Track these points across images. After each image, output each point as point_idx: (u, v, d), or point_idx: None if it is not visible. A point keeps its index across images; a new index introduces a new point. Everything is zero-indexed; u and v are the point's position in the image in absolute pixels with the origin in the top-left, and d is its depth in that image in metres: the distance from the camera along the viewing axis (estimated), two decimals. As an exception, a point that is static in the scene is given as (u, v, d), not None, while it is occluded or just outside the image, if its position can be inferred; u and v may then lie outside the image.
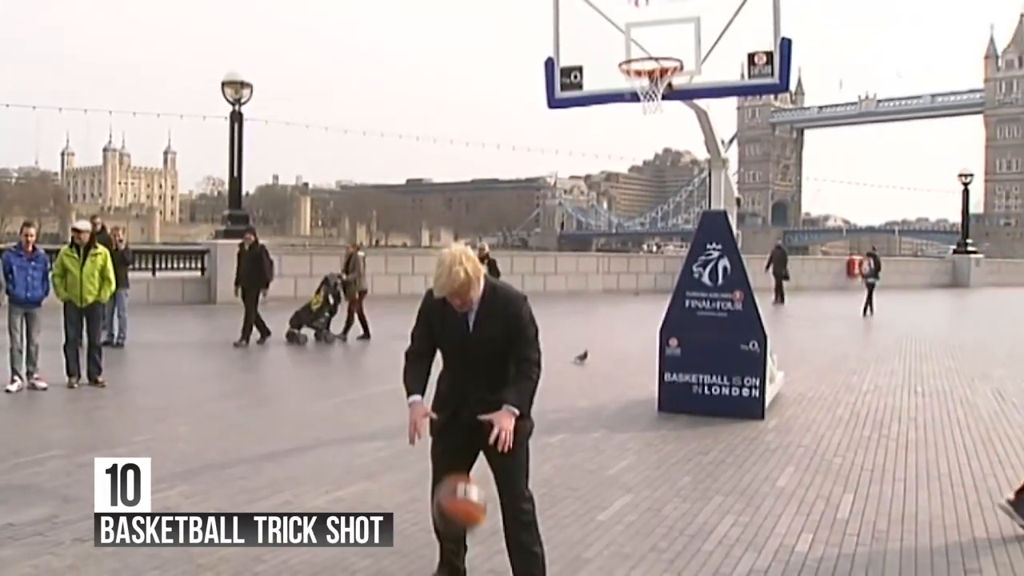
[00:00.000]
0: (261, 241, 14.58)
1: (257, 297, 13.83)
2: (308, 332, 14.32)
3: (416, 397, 3.97)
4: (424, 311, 4.07)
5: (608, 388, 10.38)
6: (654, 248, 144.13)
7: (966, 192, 39.83)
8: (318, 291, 14.69)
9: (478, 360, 3.99)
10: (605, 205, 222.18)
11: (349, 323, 14.55)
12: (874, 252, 26.23)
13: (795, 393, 10.18)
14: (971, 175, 40.22)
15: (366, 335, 14.66)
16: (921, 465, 7.06)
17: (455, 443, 4.06)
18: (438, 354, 4.15)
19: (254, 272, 13.90)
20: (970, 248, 40.65)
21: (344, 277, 14.87)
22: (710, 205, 9.51)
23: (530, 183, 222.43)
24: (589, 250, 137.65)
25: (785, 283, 26.57)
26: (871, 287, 23.45)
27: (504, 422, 3.87)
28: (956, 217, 58.20)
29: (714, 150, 9.43)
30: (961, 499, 6.13)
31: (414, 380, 4.03)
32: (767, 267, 26.75)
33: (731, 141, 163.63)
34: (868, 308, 22.80)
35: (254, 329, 13.78)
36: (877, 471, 6.84)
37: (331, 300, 14.53)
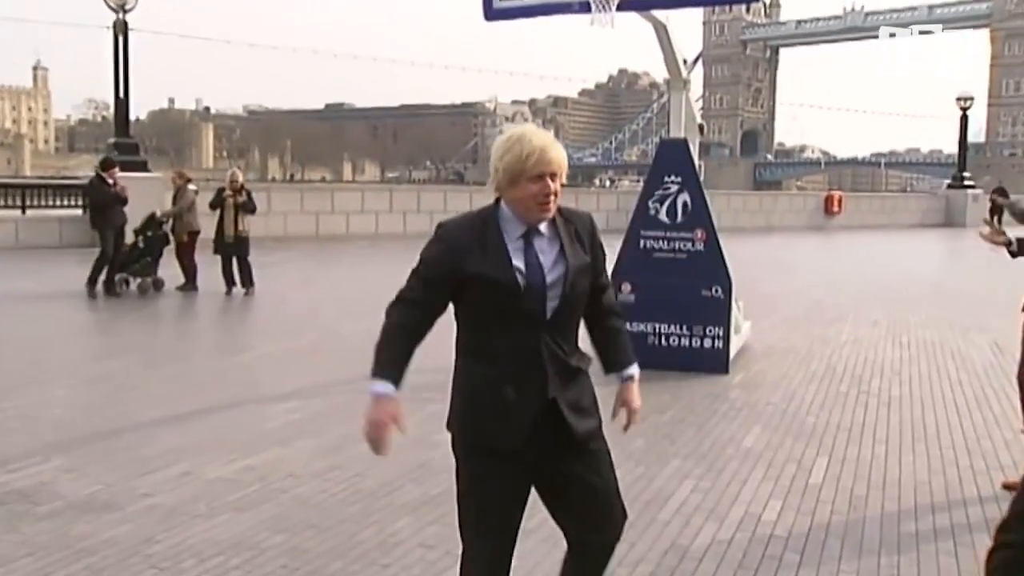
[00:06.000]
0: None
1: (116, 236, 13.55)
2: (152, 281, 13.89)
3: (388, 385, 2.85)
4: (446, 243, 2.96)
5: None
6: (607, 183, 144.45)
7: (964, 118, 39.55)
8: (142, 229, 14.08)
9: (561, 319, 3.03)
10: (552, 134, 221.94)
11: (242, 272, 14.05)
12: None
13: (764, 345, 10.31)
14: (971, 99, 39.63)
15: (189, 284, 14.03)
16: (906, 424, 7.16)
17: (514, 493, 3.06)
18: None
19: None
20: (967, 182, 40.36)
21: (158, 213, 14.29)
22: (669, 133, 9.52)
23: (466, 109, 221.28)
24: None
25: None
26: None
27: (636, 401, 3.28)
28: (952, 147, 58.44)
29: (674, 69, 9.40)
30: (951, 462, 6.20)
31: (395, 353, 2.91)
32: None
33: (695, 61, 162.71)
34: None
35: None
36: (855, 431, 6.94)
37: (141, 241, 13.83)
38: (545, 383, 2.95)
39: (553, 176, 2.93)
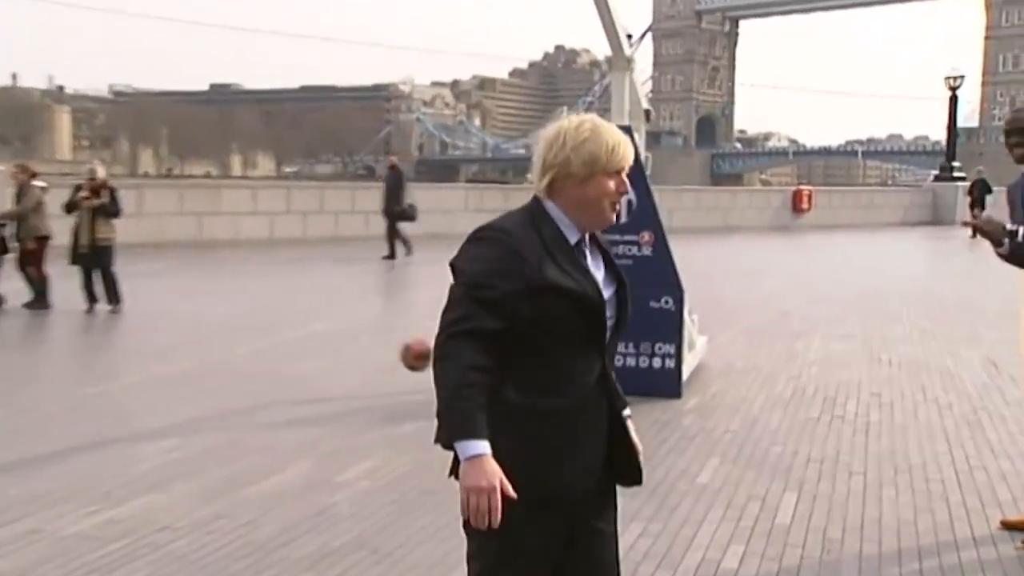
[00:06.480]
0: None
1: None
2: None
3: (483, 444, 2.71)
4: (506, 247, 2.81)
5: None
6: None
7: (954, 99, 40.02)
8: None
9: (613, 346, 3.10)
10: (477, 121, 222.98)
11: (106, 285, 13.68)
12: None
13: (722, 363, 10.40)
14: (962, 77, 40.49)
15: (38, 301, 13.78)
16: (886, 455, 7.24)
17: (554, 550, 2.98)
18: None
19: None
20: (957, 173, 40.30)
21: None
22: (612, 119, 9.55)
23: (377, 92, 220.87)
24: (456, 180, 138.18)
25: (406, 224, 21.80)
26: None
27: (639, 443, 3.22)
28: (940, 132, 59.39)
29: (616, 46, 9.46)
30: (940, 498, 6.27)
31: (478, 403, 2.72)
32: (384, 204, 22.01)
33: (642, 36, 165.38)
34: None
35: None
36: (828, 463, 7.00)
37: None
38: (609, 417, 3.00)
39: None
